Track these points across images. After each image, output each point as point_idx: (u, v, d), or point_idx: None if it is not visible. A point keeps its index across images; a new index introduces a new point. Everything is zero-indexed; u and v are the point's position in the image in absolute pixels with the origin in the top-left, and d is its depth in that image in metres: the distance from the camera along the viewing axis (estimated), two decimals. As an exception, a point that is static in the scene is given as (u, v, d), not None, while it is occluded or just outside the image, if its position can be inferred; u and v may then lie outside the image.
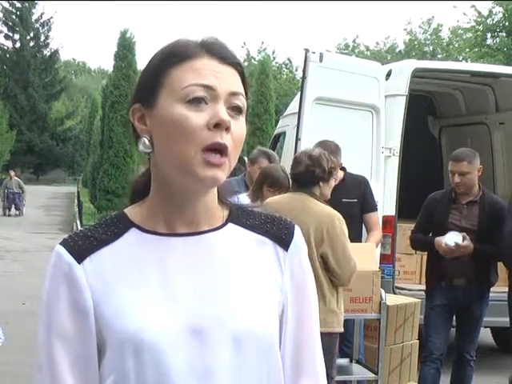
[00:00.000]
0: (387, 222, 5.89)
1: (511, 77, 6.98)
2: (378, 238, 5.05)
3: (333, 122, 5.81)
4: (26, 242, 15.77)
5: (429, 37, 37.41)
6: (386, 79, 6.28)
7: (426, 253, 6.60)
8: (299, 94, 6.05)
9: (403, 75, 6.33)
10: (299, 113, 5.82)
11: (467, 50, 25.26)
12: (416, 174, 7.55)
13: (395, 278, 6.15)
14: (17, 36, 47.98)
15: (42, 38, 49.40)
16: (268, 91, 20.78)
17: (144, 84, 1.14)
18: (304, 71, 5.85)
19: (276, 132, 8.82)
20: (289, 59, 35.97)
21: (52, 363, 1.09)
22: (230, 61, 1.11)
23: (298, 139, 5.78)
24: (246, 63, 33.98)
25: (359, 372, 4.64)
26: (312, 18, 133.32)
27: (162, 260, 1.12)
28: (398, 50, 37.38)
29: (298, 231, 1.23)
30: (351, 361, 4.73)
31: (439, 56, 34.52)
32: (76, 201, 25.06)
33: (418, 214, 4.83)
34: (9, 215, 22.99)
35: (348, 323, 4.39)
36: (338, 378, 3.87)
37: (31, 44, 48.46)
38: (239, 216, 1.20)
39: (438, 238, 4.48)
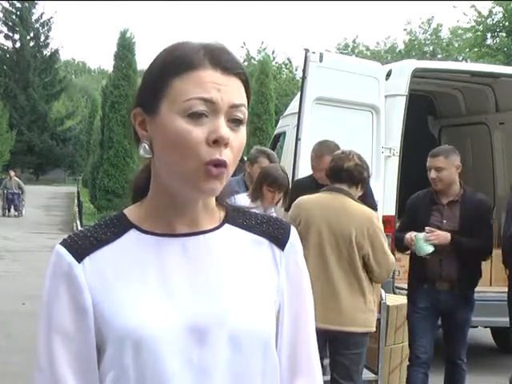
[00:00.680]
0: (387, 221, 5.89)
1: (511, 77, 6.98)
2: None
3: (333, 122, 5.81)
4: (26, 242, 15.76)
5: (429, 37, 37.41)
6: (386, 79, 6.28)
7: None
8: (299, 94, 6.05)
9: (403, 75, 6.33)
10: (299, 113, 5.82)
11: (467, 50, 25.25)
12: (416, 174, 7.52)
13: (395, 278, 6.14)
14: (17, 36, 47.99)
15: (42, 38, 49.41)
16: (268, 91, 20.77)
17: (146, 89, 1.13)
18: (304, 71, 5.85)
19: (276, 132, 8.83)
20: (288, 59, 35.96)
21: (52, 362, 1.10)
22: (234, 71, 1.10)
23: (297, 139, 5.78)
24: (245, 63, 33.99)
25: (359, 372, 4.64)
26: (312, 18, 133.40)
27: (161, 260, 1.13)
28: (398, 50, 37.38)
29: (293, 231, 1.24)
30: (351, 361, 4.73)
31: (439, 56, 34.51)
32: (76, 201, 25.06)
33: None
34: (8, 216, 22.85)
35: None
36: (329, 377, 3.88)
37: (31, 44, 48.46)
38: (235, 217, 1.21)
39: (407, 235, 4.41)
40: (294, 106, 7.30)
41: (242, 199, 4.53)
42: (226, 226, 1.19)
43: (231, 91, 1.09)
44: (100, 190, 20.26)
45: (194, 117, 1.07)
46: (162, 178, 1.13)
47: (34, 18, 48.61)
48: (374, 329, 3.86)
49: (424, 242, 4.30)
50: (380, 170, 5.98)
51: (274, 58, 33.96)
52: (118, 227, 1.16)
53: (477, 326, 6.64)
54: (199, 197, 1.12)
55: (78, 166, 47.80)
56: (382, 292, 4.47)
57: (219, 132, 1.06)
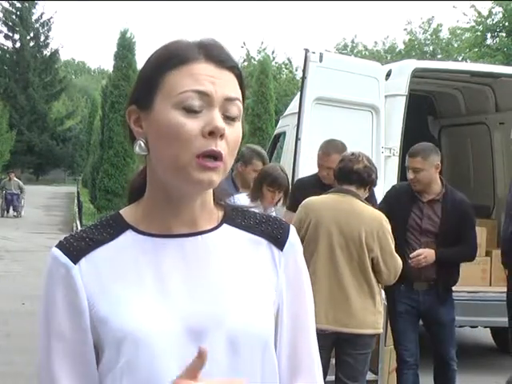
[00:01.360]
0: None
1: (511, 77, 6.98)
2: None
3: (333, 122, 5.81)
4: (25, 242, 15.76)
5: (429, 37, 37.42)
6: (386, 79, 6.28)
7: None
8: (299, 93, 6.05)
9: (403, 75, 6.33)
10: (299, 113, 5.82)
11: (467, 50, 25.25)
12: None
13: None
14: (17, 36, 47.99)
15: (42, 38, 49.41)
16: (268, 91, 20.76)
17: (141, 86, 1.13)
18: (304, 71, 5.85)
19: (276, 132, 8.83)
20: (288, 59, 35.95)
21: (49, 365, 1.10)
22: (227, 65, 1.11)
23: (298, 139, 5.78)
24: (245, 63, 33.98)
25: (359, 372, 4.63)
26: (311, 18, 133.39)
27: (158, 261, 1.12)
28: (397, 49, 37.39)
29: (293, 231, 1.23)
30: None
31: (439, 56, 34.52)
32: (76, 201, 25.04)
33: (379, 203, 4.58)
34: (7, 217, 22.68)
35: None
36: (333, 377, 3.88)
37: (31, 44, 48.45)
38: (234, 217, 1.20)
39: None
40: (293, 106, 7.30)
41: (242, 199, 4.53)
42: (225, 226, 1.18)
43: (226, 84, 1.09)
44: (100, 190, 20.25)
45: (188, 109, 1.07)
46: (157, 174, 1.12)
47: (34, 17, 48.61)
48: (382, 330, 3.87)
49: None
50: (380, 170, 5.97)
51: (273, 58, 33.95)
52: (114, 228, 1.15)
53: (477, 326, 6.65)
54: (196, 190, 1.11)
55: (77, 166, 47.78)
56: (382, 292, 4.47)
57: (214, 123, 1.06)
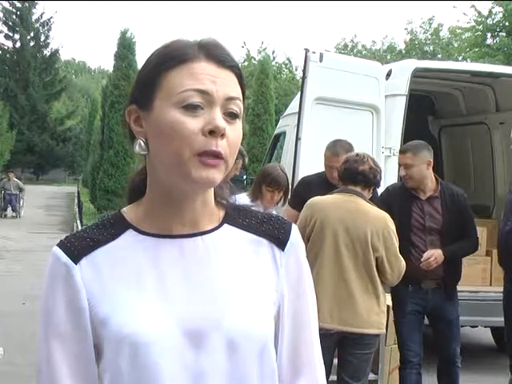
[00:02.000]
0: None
1: (511, 77, 6.98)
2: None
3: (333, 122, 5.81)
4: (26, 242, 15.75)
5: (429, 37, 37.42)
6: (386, 79, 6.28)
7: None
8: (299, 93, 6.05)
9: (403, 75, 6.33)
10: (299, 113, 5.82)
11: (467, 49, 25.25)
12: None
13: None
14: (17, 36, 47.95)
15: (42, 38, 49.36)
16: (268, 91, 20.76)
17: (141, 85, 1.13)
18: (304, 71, 5.85)
19: (276, 132, 8.82)
20: (288, 59, 35.96)
21: (50, 364, 1.10)
22: (228, 64, 1.10)
23: (298, 139, 5.78)
24: (245, 63, 33.97)
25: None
26: (311, 18, 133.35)
27: (158, 262, 1.12)
28: (398, 49, 37.40)
29: (294, 230, 1.22)
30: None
31: (439, 56, 34.52)
32: (76, 201, 25.03)
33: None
34: (5, 216, 22.48)
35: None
36: (335, 377, 3.88)
37: (31, 44, 48.41)
38: (235, 216, 1.20)
39: None
40: (294, 106, 7.30)
41: (242, 199, 4.54)
42: (225, 226, 1.18)
43: (226, 83, 1.09)
44: (100, 190, 20.24)
45: (190, 108, 1.06)
46: (158, 173, 1.12)
47: (34, 17, 48.56)
48: (385, 330, 3.87)
49: None
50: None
51: (274, 58, 33.95)
52: (115, 228, 1.15)
53: (477, 326, 6.65)
54: (197, 188, 1.11)
55: (78, 166, 47.75)
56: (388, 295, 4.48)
57: (215, 123, 1.06)
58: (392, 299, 4.51)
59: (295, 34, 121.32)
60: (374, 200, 4.40)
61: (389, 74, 6.37)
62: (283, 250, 1.19)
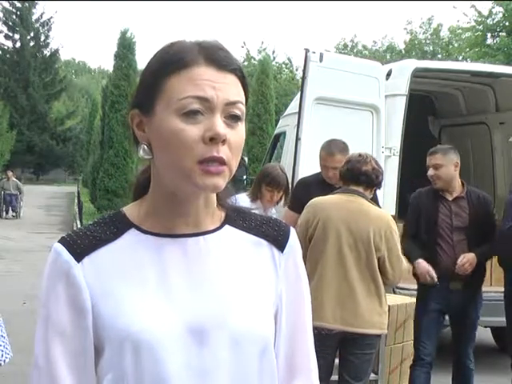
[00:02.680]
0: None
1: (511, 77, 6.98)
2: None
3: (333, 122, 5.81)
4: (26, 242, 15.76)
5: (429, 36, 37.43)
6: (387, 79, 6.28)
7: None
8: (299, 93, 6.05)
9: (403, 75, 6.33)
10: (299, 113, 5.82)
11: (467, 49, 25.25)
12: (416, 173, 7.54)
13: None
14: (17, 36, 47.97)
15: (42, 38, 49.38)
16: (268, 91, 20.75)
17: (142, 90, 1.13)
18: (304, 71, 5.85)
19: (276, 132, 8.82)
20: (289, 59, 35.98)
21: (49, 360, 1.09)
22: (229, 68, 1.09)
23: (298, 139, 5.78)
24: (245, 63, 33.97)
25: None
26: (311, 18, 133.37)
27: (161, 261, 1.12)
28: (398, 49, 37.41)
29: (293, 233, 1.24)
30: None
31: (439, 56, 34.53)
32: (76, 201, 25.03)
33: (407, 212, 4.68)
34: (6, 218, 22.29)
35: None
36: (337, 377, 3.88)
37: (31, 44, 48.42)
38: (235, 218, 1.21)
39: (423, 266, 4.38)
40: (294, 106, 7.30)
41: (242, 199, 4.54)
42: (226, 227, 1.19)
43: (227, 88, 1.08)
44: (100, 189, 20.25)
45: (189, 115, 1.06)
46: (162, 178, 1.12)
47: (34, 17, 48.58)
48: (387, 331, 3.87)
49: None
50: (380, 169, 5.98)
51: (274, 58, 33.96)
52: (117, 227, 1.15)
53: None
54: (202, 192, 1.11)
55: (78, 166, 47.75)
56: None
57: (215, 130, 1.05)
58: (417, 295, 4.63)
59: (295, 33, 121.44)
60: (375, 201, 4.43)
61: (389, 74, 6.38)
62: (282, 252, 1.21)
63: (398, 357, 5.14)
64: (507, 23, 22.30)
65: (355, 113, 6.03)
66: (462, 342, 4.55)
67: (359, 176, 3.76)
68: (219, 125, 1.06)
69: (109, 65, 75.52)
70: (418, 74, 6.51)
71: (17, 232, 18.11)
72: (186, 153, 1.05)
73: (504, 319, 4.69)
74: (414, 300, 5.29)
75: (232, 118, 1.08)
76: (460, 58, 28.77)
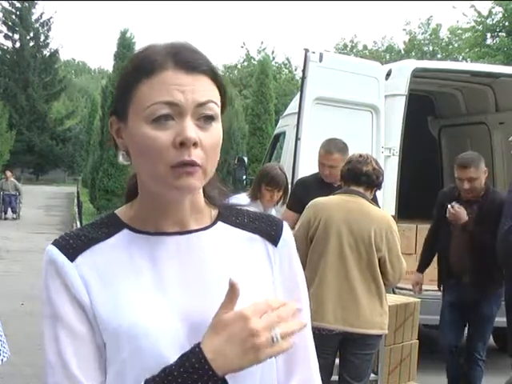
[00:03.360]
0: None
1: (511, 77, 6.98)
2: None
3: (333, 122, 5.81)
4: (26, 242, 15.75)
5: (428, 37, 37.44)
6: (386, 79, 6.28)
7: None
8: (299, 93, 6.05)
9: (403, 75, 6.33)
10: (299, 113, 5.82)
11: (467, 50, 25.26)
12: (416, 173, 7.55)
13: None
14: (17, 36, 47.97)
15: (42, 38, 49.38)
16: (268, 91, 20.76)
17: (117, 97, 1.14)
18: (304, 71, 5.85)
19: (276, 132, 8.82)
20: (288, 59, 35.99)
21: (62, 358, 1.09)
22: (198, 69, 1.09)
23: (297, 139, 5.78)
24: (245, 63, 34.00)
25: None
26: (311, 18, 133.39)
27: (154, 258, 1.13)
28: (397, 49, 37.43)
29: (286, 227, 1.24)
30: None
31: (439, 56, 34.54)
32: (76, 201, 25.02)
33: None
34: (5, 218, 22.02)
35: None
36: (337, 377, 3.88)
37: (31, 44, 48.43)
38: (228, 215, 1.22)
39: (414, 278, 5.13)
40: (293, 106, 7.29)
41: (242, 199, 4.53)
42: (219, 224, 1.19)
43: (196, 90, 1.08)
44: (100, 190, 20.24)
45: (159, 122, 1.06)
46: (144, 182, 1.14)
47: (33, 17, 48.59)
48: (387, 331, 3.87)
49: None
50: (380, 169, 5.98)
51: (273, 58, 33.98)
52: (109, 227, 1.16)
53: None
54: (180, 195, 1.12)
55: (77, 166, 47.77)
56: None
57: (184, 134, 1.05)
58: (442, 291, 5.00)
59: (295, 33, 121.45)
60: (374, 201, 4.44)
61: (388, 74, 6.37)
62: (276, 246, 1.21)
63: (398, 357, 5.14)
64: (507, 23, 22.32)
65: (355, 113, 6.02)
66: (471, 338, 4.74)
67: (360, 176, 3.76)
68: (189, 128, 1.06)
69: (108, 65, 75.64)
70: (417, 74, 6.51)
71: (16, 232, 18.11)
72: (158, 159, 1.06)
73: (503, 319, 4.70)
74: (413, 300, 5.31)
75: (205, 120, 1.08)
76: (460, 58, 28.78)
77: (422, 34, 37.61)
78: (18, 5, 47.55)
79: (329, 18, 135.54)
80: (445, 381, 4.78)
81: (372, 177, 3.78)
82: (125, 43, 20.17)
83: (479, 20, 23.04)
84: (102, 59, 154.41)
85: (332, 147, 4.52)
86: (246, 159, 9.07)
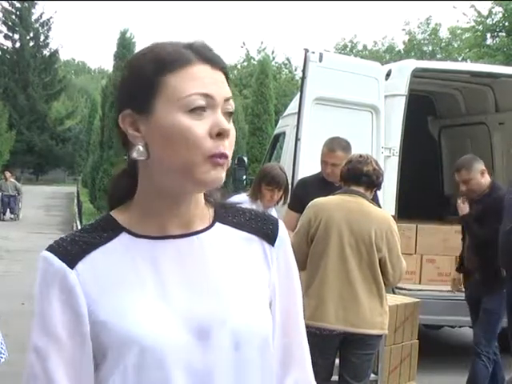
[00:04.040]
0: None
1: (511, 77, 6.98)
2: None
3: (333, 122, 5.80)
4: (26, 242, 15.74)
5: (427, 37, 37.43)
6: (386, 79, 6.28)
7: (425, 253, 6.71)
8: (299, 94, 6.05)
9: (403, 75, 6.33)
10: (299, 113, 5.82)
11: (467, 50, 25.24)
12: (416, 173, 7.55)
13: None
14: (16, 36, 47.98)
15: (42, 38, 49.39)
16: (268, 91, 20.77)
17: (135, 90, 1.11)
18: (304, 71, 5.85)
19: (276, 132, 8.81)
20: (288, 59, 35.98)
21: (47, 370, 1.07)
22: (220, 65, 1.12)
23: (297, 139, 5.78)
24: (245, 63, 34.00)
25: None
26: (311, 18, 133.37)
27: (156, 263, 1.12)
28: (397, 49, 37.42)
29: (282, 225, 1.25)
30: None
31: (438, 56, 34.52)
32: (76, 201, 25.01)
33: None
34: (3, 220, 21.86)
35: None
36: (337, 377, 3.88)
37: (31, 44, 48.43)
38: (224, 214, 1.22)
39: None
40: (293, 106, 7.29)
41: (242, 199, 4.54)
42: (217, 225, 1.19)
43: (222, 85, 1.11)
44: (100, 190, 20.24)
45: (196, 111, 1.07)
46: (158, 177, 1.11)
47: (33, 18, 48.60)
48: (387, 331, 3.87)
49: None
50: (380, 170, 5.98)
51: (273, 58, 33.97)
52: (107, 231, 1.13)
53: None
54: (205, 190, 1.13)
55: (77, 166, 47.75)
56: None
57: (222, 125, 1.08)
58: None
59: (295, 34, 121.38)
60: (376, 201, 4.45)
61: (388, 74, 6.37)
62: (273, 246, 1.22)
63: (398, 357, 5.15)
64: (507, 23, 22.29)
65: (355, 113, 6.02)
66: (475, 331, 4.87)
67: (360, 177, 3.77)
68: (224, 120, 1.09)
69: (108, 65, 75.64)
70: (417, 75, 6.50)
71: (16, 232, 18.11)
72: (195, 149, 1.06)
73: (504, 319, 4.70)
74: (413, 300, 5.31)
75: (228, 115, 1.11)
76: (460, 58, 28.77)
77: (422, 33, 37.61)
78: (18, 5, 47.56)
79: (329, 17, 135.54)
80: (445, 381, 4.78)
81: (372, 177, 3.78)
82: (125, 43, 20.16)
83: (479, 20, 23.00)
84: (102, 59, 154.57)
85: (335, 145, 4.52)
86: (245, 159, 9.06)
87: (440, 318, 6.15)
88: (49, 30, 49.55)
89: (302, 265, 3.63)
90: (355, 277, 3.68)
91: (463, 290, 5.25)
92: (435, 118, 8.58)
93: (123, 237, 1.13)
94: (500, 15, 22.57)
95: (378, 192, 4.30)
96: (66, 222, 21.57)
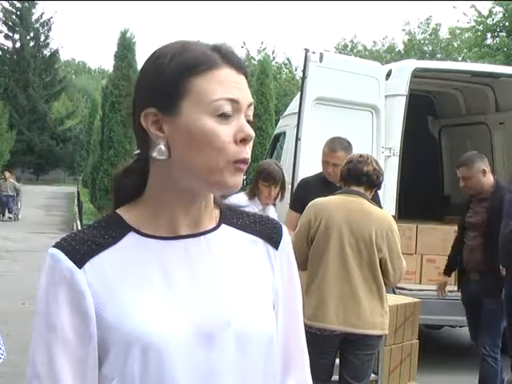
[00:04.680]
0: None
1: (511, 77, 6.98)
2: None
3: (333, 122, 5.80)
4: (26, 242, 15.75)
5: (428, 37, 37.40)
6: (386, 79, 6.27)
7: (425, 253, 6.71)
8: (299, 94, 6.05)
9: (403, 75, 6.33)
10: (299, 113, 5.82)
11: (467, 50, 25.22)
12: (416, 173, 7.55)
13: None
14: (17, 36, 48.03)
15: (42, 38, 49.44)
16: (268, 91, 20.74)
17: (161, 90, 1.10)
18: (304, 71, 5.85)
19: (276, 132, 8.82)
20: (288, 59, 35.94)
21: (53, 370, 1.06)
22: (243, 70, 1.12)
23: (297, 139, 5.78)
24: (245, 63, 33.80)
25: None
26: (311, 18, 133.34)
27: (164, 263, 1.12)
28: (397, 49, 37.40)
29: (285, 230, 1.26)
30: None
31: (438, 56, 34.51)
32: (76, 201, 25.01)
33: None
34: (2, 220, 21.81)
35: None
36: (337, 377, 3.88)
37: (31, 44, 48.48)
38: (230, 216, 1.22)
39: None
40: (293, 106, 7.30)
41: (241, 198, 4.55)
42: (223, 226, 1.19)
43: (246, 89, 1.12)
44: (100, 189, 20.22)
45: (223, 117, 1.08)
46: (175, 178, 1.10)
47: (33, 18, 48.66)
48: (388, 331, 3.87)
49: None
50: (380, 170, 5.98)
51: (273, 58, 33.94)
52: (114, 230, 1.13)
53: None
54: (222, 192, 1.14)
55: (78, 166, 47.78)
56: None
57: (246, 131, 1.09)
58: None
59: (295, 33, 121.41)
60: (377, 201, 4.44)
61: (389, 74, 6.37)
62: (277, 249, 1.22)
63: (398, 357, 5.14)
64: (507, 23, 22.29)
65: (355, 113, 6.02)
66: (478, 331, 4.82)
67: (360, 177, 3.76)
68: (248, 126, 1.09)
69: (109, 65, 75.61)
70: (417, 74, 6.50)
71: (17, 232, 18.11)
72: (219, 153, 1.07)
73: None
74: (413, 300, 5.31)
75: (249, 120, 1.11)
76: (460, 58, 28.76)
77: (422, 33, 37.57)
78: (18, 5, 47.60)
79: (329, 17, 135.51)
80: (445, 381, 4.78)
81: (372, 177, 3.78)
82: (125, 43, 20.14)
83: (479, 20, 23.00)
84: (102, 59, 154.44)
85: (336, 145, 4.52)
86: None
87: (440, 318, 6.14)
88: (49, 30, 49.63)
89: (302, 265, 3.63)
90: (355, 277, 3.67)
91: (448, 294, 5.28)
92: (435, 118, 8.58)
93: (131, 236, 1.13)
94: (500, 15, 22.58)
95: (379, 192, 4.30)
96: (66, 222, 21.58)
